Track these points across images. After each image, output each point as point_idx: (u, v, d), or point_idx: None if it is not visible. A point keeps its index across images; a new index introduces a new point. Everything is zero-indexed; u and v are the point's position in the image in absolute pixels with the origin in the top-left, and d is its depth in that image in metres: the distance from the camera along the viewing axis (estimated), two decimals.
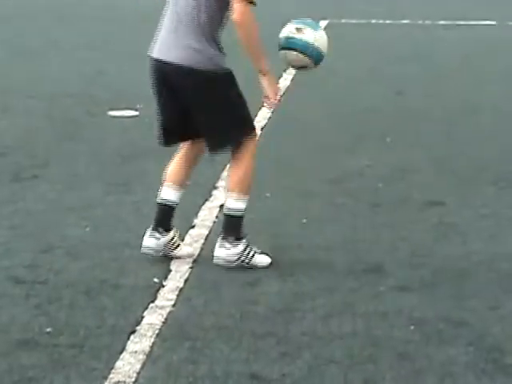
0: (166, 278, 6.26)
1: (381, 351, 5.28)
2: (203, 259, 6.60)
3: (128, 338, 5.35)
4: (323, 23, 16.15)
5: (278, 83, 6.42)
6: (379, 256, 6.72)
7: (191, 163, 6.72)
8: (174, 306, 5.84)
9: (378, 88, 12.58)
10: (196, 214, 7.45)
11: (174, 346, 5.29)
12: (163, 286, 6.12)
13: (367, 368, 5.05)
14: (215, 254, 6.45)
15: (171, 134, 6.63)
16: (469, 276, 6.42)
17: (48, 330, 5.44)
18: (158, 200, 6.66)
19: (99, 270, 6.41)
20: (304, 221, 7.33)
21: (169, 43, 6.34)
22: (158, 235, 6.53)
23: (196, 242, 6.92)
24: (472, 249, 6.93)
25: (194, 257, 6.64)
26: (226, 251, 6.41)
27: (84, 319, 5.62)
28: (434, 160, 9.32)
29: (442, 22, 19.09)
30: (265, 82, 6.34)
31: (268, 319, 5.69)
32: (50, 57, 14.66)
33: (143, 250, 6.56)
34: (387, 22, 18.74)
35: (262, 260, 6.51)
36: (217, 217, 7.30)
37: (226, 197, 6.60)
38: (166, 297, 5.97)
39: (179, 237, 6.66)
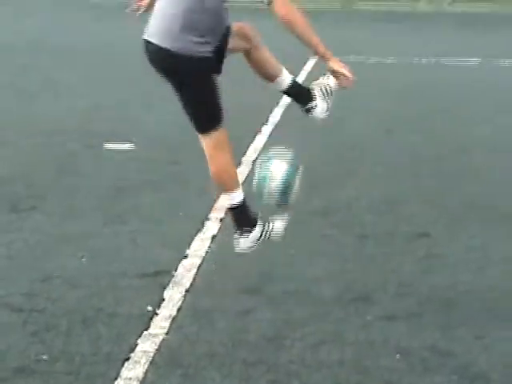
0: (159, 306, 6.24)
1: (367, 379, 5.29)
2: (196, 288, 6.58)
3: (122, 365, 5.33)
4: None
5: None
6: (367, 286, 6.72)
7: (221, 148, 6.43)
8: (167, 333, 5.82)
9: (367, 124, 12.62)
10: (189, 245, 7.41)
11: (166, 373, 5.29)
12: (156, 314, 6.10)
13: None
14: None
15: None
16: (455, 306, 6.41)
17: (44, 357, 5.44)
18: (228, 206, 6.57)
19: (96, 298, 6.38)
20: (292, 252, 7.31)
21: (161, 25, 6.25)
22: (247, 231, 6.48)
23: (189, 271, 6.89)
24: (459, 279, 6.95)
25: (187, 286, 6.63)
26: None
27: (80, 347, 5.60)
28: (422, 193, 9.33)
29: (425, 61, 19.15)
30: (335, 64, 6.24)
31: (259, 347, 5.69)
32: (47, 94, 14.62)
33: (241, 248, 6.55)
34: (377, 59, 18.77)
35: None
36: (209, 247, 7.29)
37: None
38: (160, 325, 5.95)
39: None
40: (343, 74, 6.25)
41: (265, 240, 6.42)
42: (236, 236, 6.44)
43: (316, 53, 6.21)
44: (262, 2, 5.96)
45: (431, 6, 31.69)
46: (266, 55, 6.46)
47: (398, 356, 5.60)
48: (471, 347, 5.77)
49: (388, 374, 5.37)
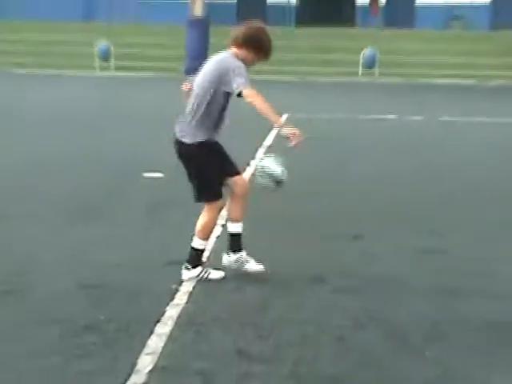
0: (180, 285, 6.30)
1: (324, 334, 5.39)
2: (202, 290, 6.61)
3: (155, 325, 5.41)
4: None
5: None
6: (322, 270, 6.73)
7: (238, 200, 6.55)
8: (186, 303, 5.90)
9: (318, 157, 12.62)
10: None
11: (185, 330, 5.39)
12: (178, 291, 6.17)
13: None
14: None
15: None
16: (380, 283, 6.46)
17: (102, 317, 5.52)
18: (228, 232, 6.63)
19: (139, 279, 6.45)
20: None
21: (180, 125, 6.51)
22: (230, 253, 6.55)
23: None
24: (383, 266, 6.96)
25: (201, 274, 6.60)
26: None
27: (126, 312, 5.69)
28: (360, 207, 9.36)
29: (361, 117, 19.13)
30: (285, 129, 6.15)
31: (250, 313, 5.81)
32: (109, 140, 14.61)
33: (223, 264, 6.57)
34: (329, 116, 18.77)
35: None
36: (215, 243, 7.26)
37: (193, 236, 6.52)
38: (181, 297, 6.02)
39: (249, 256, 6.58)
40: (290, 137, 6.15)
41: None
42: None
43: (273, 123, 6.24)
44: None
45: (365, 78, 31.67)
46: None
47: (343, 319, 5.66)
48: (395, 311, 5.82)
49: (339, 330, 5.45)
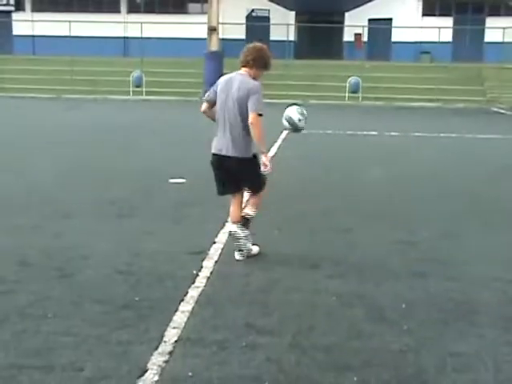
0: (200, 270, 6.29)
1: (316, 310, 5.39)
2: (221, 261, 6.61)
3: (179, 304, 5.42)
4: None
5: (271, 159, 6.48)
6: (316, 258, 6.71)
7: (240, 205, 6.73)
8: (205, 286, 5.88)
9: (313, 164, 12.62)
10: (216, 235, 7.45)
11: (204, 309, 5.38)
12: (198, 275, 6.15)
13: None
14: (232, 230, 6.67)
15: (223, 189, 6.72)
16: (366, 269, 6.45)
17: (136, 298, 5.53)
18: (229, 232, 6.74)
19: (166, 266, 6.45)
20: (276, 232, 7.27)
21: (225, 143, 6.47)
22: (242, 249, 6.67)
23: (217, 251, 6.92)
24: (366, 255, 6.96)
25: (216, 259, 6.65)
26: (242, 231, 6.60)
27: (154, 293, 5.68)
28: (346, 207, 9.34)
29: (348, 132, 19.12)
30: (264, 157, 6.37)
31: (256, 295, 5.76)
32: (141, 152, 14.63)
33: (237, 259, 6.63)
34: (322, 131, 18.75)
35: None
36: (227, 238, 7.25)
37: (245, 207, 6.72)
38: (200, 281, 6.00)
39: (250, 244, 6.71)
40: (264, 163, 6.38)
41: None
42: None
43: (259, 148, 6.43)
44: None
45: (351, 101, 31.67)
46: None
47: (334, 298, 5.65)
48: (376, 291, 5.81)
49: (330, 308, 5.46)
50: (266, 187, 6.67)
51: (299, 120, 6.74)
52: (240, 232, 6.58)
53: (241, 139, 6.41)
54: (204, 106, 6.71)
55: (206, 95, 6.69)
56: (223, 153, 6.47)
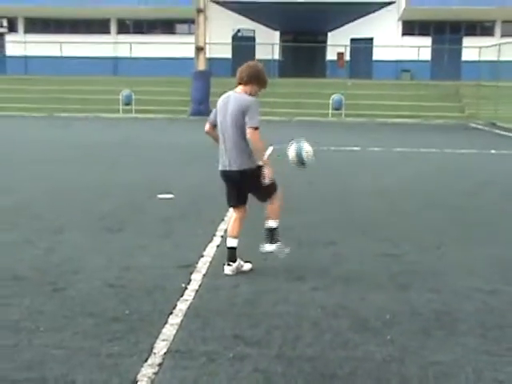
0: (188, 283, 6.27)
1: (304, 320, 5.35)
2: (208, 274, 6.58)
3: (168, 317, 5.39)
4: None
5: (271, 169, 6.48)
6: (302, 271, 6.70)
7: (241, 222, 6.70)
8: (193, 299, 5.86)
9: (297, 179, 12.63)
10: (204, 249, 7.42)
11: (193, 321, 5.34)
12: (187, 288, 6.13)
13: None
14: (265, 249, 6.70)
15: (231, 201, 6.70)
16: (349, 279, 6.45)
17: (126, 312, 5.49)
18: (228, 246, 6.65)
19: (164, 279, 6.40)
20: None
21: (227, 159, 6.51)
22: (231, 264, 6.58)
23: (205, 264, 6.89)
24: (351, 266, 6.95)
25: (204, 273, 6.61)
26: (270, 246, 6.64)
27: (145, 307, 5.64)
28: (328, 222, 9.33)
29: (332, 148, 19.17)
30: (265, 168, 6.39)
31: (243, 305, 5.73)
32: (130, 168, 14.62)
33: (226, 273, 6.57)
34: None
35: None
36: (215, 251, 7.20)
37: (267, 219, 6.65)
38: (189, 294, 5.98)
39: (241, 261, 6.66)
40: (264, 174, 6.41)
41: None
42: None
43: (259, 159, 6.47)
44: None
45: (334, 118, 31.80)
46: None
47: (319, 309, 5.64)
48: (360, 303, 5.80)
49: (315, 319, 5.43)
50: (278, 196, 6.64)
51: (307, 157, 6.89)
52: (275, 248, 6.67)
53: (240, 153, 6.44)
54: (207, 126, 6.77)
55: (211, 117, 6.77)
56: (227, 168, 6.53)
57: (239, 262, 6.64)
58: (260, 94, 6.64)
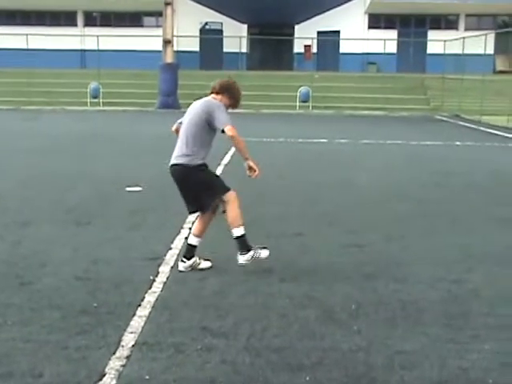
0: (156, 275, 6.26)
1: (271, 311, 5.37)
2: (176, 266, 6.55)
3: (136, 309, 5.39)
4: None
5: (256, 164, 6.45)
6: (269, 263, 6.64)
7: (205, 222, 6.56)
8: (161, 291, 5.86)
9: (265, 171, 12.67)
10: (172, 242, 7.40)
11: (161, 313, 5.34)
12: (155, 281, 6.11)
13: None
14: (239, 261, 6.42)
15: (188, 206, 6.58)
16: (316, 271, 6.47)
17: (95, 304, 5.47)
18: (188, 242, 6.57)
19: (123, 271, 6.38)
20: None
21: (176, 153, 6.44)
22: (184, 260, 6.47)
23: (172, 256, 6.87)
24: (317, 257, 6.98)
25: (171, 265, 6.60)
26: (243, 257, 6.41)
27: (113, 298, 5.63)
28: (299, 211, 9.35)
29: (300, 140, 19.21)
30: (250, 162, 6.36)
31: (209, 297, 5.73)
32: (98, 160, 14.53)
33: (180, 269, 6.44)
34: (273, 139, 18.83)
35: (264, 254, 6.51)
36: (183, 243, 7.18)
37: (231, 229, 6.40)
38: (157, 286, 5.98)
39: (199, 259, 6.54)
40: (253, 169, 6.40)
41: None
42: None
43: (243, 157, 6.39)
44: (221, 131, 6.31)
45: (302, 110, 31.86)
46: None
47: (287, 300, 5.66)
48: (327, 293, 5.82)
49: (283, 310, 5.45)
50: (231, 199, 6.38)
51: None
52: (248, 258, 6.43)
53: (187, 149, 6.35)
54: (174, 126, 6.73)
55: (180, 119, 6.73)
56: (173, 162, 6.42)
57: (196, 259, 6.51)
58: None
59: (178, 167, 6.37)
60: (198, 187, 6.40)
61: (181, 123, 6.60)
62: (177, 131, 6.64)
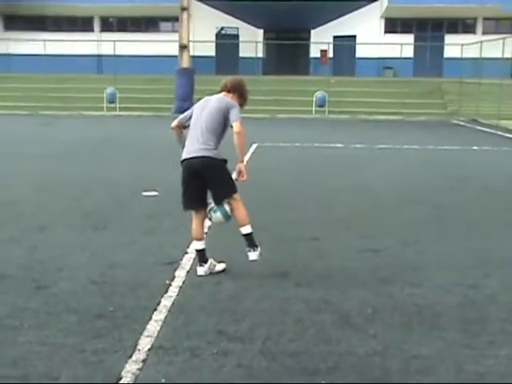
0: (172, 280, 6.29)
1: (288, 316, 5.37)
2: (193, 271, 6.58)
3: (153, 313, 5.41)
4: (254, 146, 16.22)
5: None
6: (285, 268, 6.71)
7: (202, 223, 6.61)
8: (177, 295, 5.87)
9: (281, 176, 12.68)
10: (188, 246, 7.39)
11: (176, 317, 5.36)
12: (171, 285, 6.14)
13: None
14: (250, 258, 6.48)
15: (189, 203, 6.57)
16: (329, 276, 6.48)
17: (111, 308, 5.49)
18: (195, 249, 6.60)
19: (140, 276, 6.42)
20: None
21: (193, 147, 6.42)
22: (203, 264, 6.50)
23: (189, 261, 6.89)
24: (333, 261, 6.98)
25: (187, 269, 6.62)
26: (254, 253, 6.48)
27: (129, 302, 5.66)
28: (315, 216, 9.35)
29: (316, 145, 19.18)
30: (242, 166, 6.49)
31: (224, 302, 5.74)
32: (114, 165, 14.58)
33: (199, 274, 6.46)
34: (289, 144, 18.84)
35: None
36: None
37: (240, 227, 6.47)
38: (173, 290, 6.00)
39: (214, 261, 6.58)
40: (242, 174, 6.52)
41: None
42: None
43: (240, 157, 6.51)
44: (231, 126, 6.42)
45: (318, 115, 31.84)
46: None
47: (302, 305, 5.66)
48: (343, 298, 5.81)
49: (298, 314, 5.45)
50: (237, 199, 6.48)
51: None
52: (258, 254, 6.50)
53: (208, 143, 6.38)
54: (175, 122, 6.72)
55: (182, 115, 6.74)
56: (191, 155, 6.39)
57: (211, 262, 6.55)
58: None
59: (205, 159, 6.33)
60: (218, 181, 6.45)
61: (183, 119, 6.64)
62: (178, 127, 6.68)
